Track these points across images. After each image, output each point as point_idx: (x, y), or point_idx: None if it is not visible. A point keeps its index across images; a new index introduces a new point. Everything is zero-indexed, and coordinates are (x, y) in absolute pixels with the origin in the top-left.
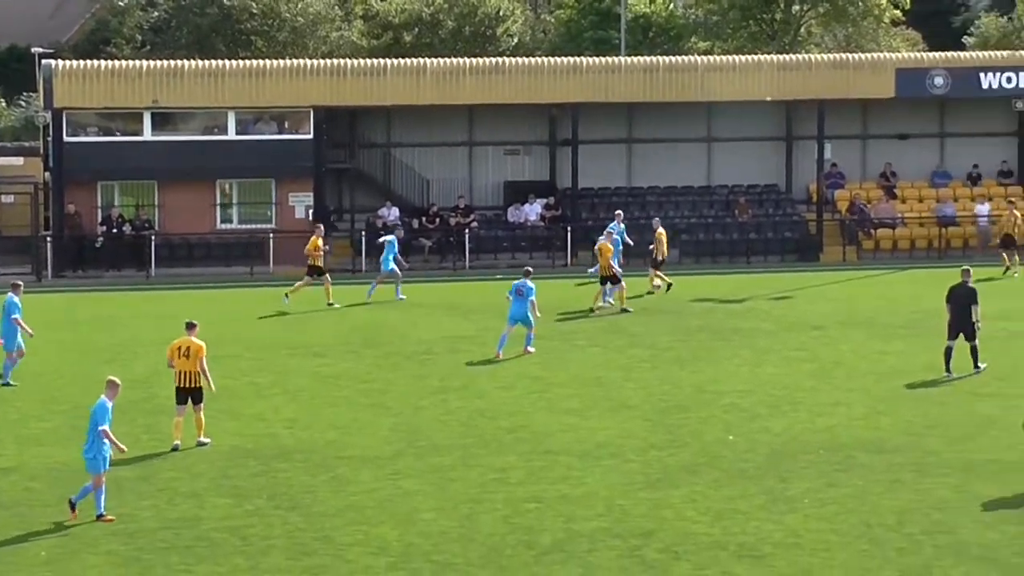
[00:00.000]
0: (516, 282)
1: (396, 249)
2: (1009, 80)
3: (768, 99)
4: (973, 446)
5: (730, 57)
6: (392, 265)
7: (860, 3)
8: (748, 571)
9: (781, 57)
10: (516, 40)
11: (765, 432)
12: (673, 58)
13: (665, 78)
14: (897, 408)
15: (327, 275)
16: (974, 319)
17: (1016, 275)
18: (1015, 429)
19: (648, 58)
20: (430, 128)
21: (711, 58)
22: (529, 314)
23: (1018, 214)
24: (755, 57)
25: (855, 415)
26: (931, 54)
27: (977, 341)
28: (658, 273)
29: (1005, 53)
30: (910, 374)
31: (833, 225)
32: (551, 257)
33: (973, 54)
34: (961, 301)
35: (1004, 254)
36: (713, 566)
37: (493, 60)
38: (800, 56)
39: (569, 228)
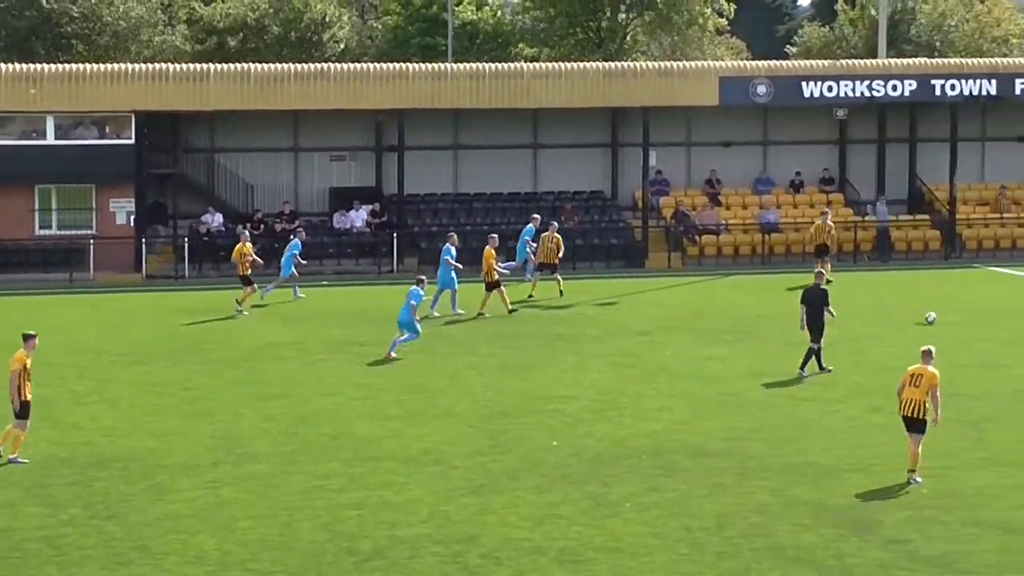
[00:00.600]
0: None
1: (300, 250)
2: (830, 89)
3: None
4: (793, 450)
5: (556, 64)
6: (292, 268)
7: (685, 12)
8: None
9: (607, 64)
10: (343, 46)
11: (589, 437)
12: (499, 65)
13: (491, 85)
14: (720, 413)
15: (252, 285)
16: (826, 320)
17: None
18: (834, 433)
19: (474, 65)
20: (255, 133)
21: (537, 65)
22: (413, 321)
23: (831, 224)
24: (581, 64)
25: (678, 420)
26: (754, 63)
27: (821, 344)
28: (558, 277)
29: (827, 62)
30: (733, 379)
31: (658, 232)
32: (377, 264)
33: (795, 63)
34: (815, 302)
35: (817, 262)
36: (534, 571)
37: (318, 65)
38: (626, 64)
39: (395, 234)
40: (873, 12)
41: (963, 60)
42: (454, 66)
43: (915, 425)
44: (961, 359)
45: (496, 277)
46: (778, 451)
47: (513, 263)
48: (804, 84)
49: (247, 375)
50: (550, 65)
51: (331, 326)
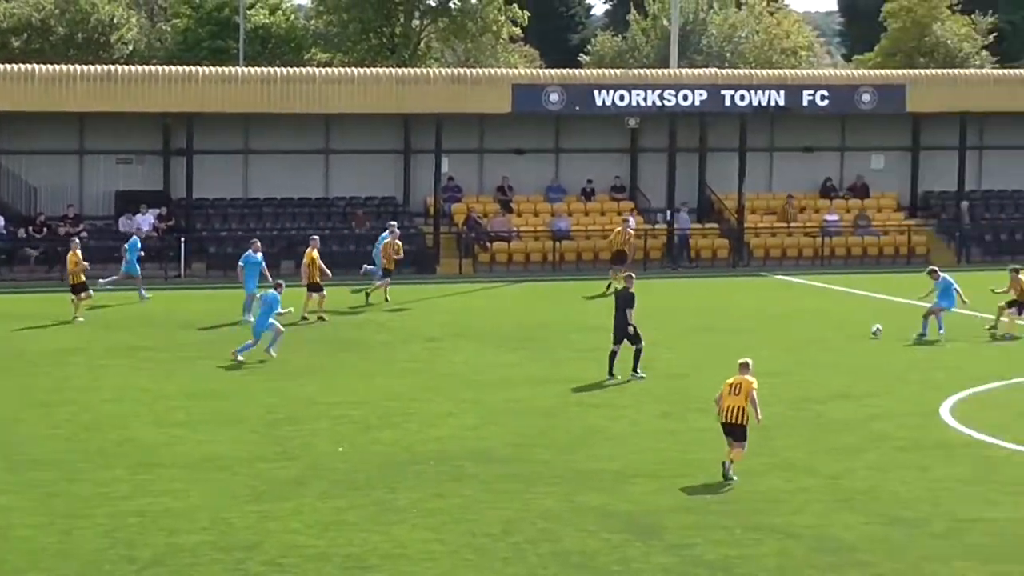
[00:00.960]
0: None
1: (139, 248)
2: (622, 98)
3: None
4: (580, 456)
5: (349, 69)
6: (136, 267)
7: (479, 19)
8: None
9: (400, 71)
10: (131, 48)
11: (376, 443)
12: (291, 69)
13: (283, 89)
14: (507, 419)
15: (88, 291)
16: (629, 322)
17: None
18: (621, 439)
19: (266, 69)
20: (39, 135)
21: (330, 70)
22: (268, 324)
23: (632, 232)
24: (374, 70)
25: (466, 426)
26: (547, 71)
27: (642, 344)
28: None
29: (619, 71)
30: (521, 385)
31: (450, 238)
32: (163, 268)
33: (588, 72)
34: (619, 305)
35: (612, 270)
36: None
37: (105, 67)
38: (419, 70)
39: (183, 239)
40: (665, 22)
41: (752, 71)
42: (245, 70)
43: (735, 431)
44: None
45: (318, 279)
46: (565, 457)
47: (373, 267)
48: (596, 92)
49: (30, 381)
50: (342, 70)
51: (117, 331)
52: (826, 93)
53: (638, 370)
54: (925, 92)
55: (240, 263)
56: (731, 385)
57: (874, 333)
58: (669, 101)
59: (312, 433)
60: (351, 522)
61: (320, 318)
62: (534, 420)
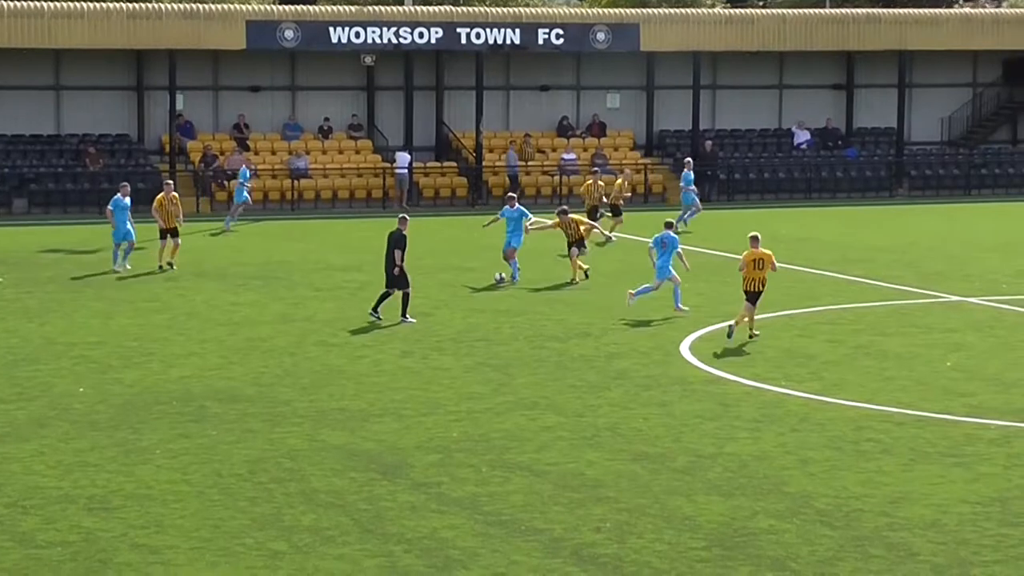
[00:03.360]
0: None
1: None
2: (358, 35)
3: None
4: (323, 395)
5: (78, 4)
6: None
7: None
8: (98, 523)
9: (131, 5)
10: None
11: (117, 384)
12: (18, 3)
13: (10, 24)
14: (249, 358)
15: None
16: (397, 263)
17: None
18: (363, 378)
19: None
20: None
21: (59, 4)
22: None
23: (602, 183)
24: (104, 4)
25: (208, 365)
26: (282, 7)
27: (410, 288)
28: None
29: (354, 8)
30: (262, 325)
31: (186, 176)
32: None
33: (323, 8)
34: (390, 246)
35: (611, 221)
36: (62, 519)
37: None
38: (151, 5)
39: None
40: None
41: (488, 9)
42: None
43: (756, 297)
44: (485, 305)
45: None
46: (308, 396)
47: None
48: (332, 29)
49: None
50: (71, 4)
51: None
52: (561, 32)
53: (407, 315)
54: (659, 31)
55: (109, 207)
56: (754, 260)
57: (497, 281)
58: (405, 39)
59: (52, 373)
60: (94, 463)
61: (169, 265)
62: (277, 359)
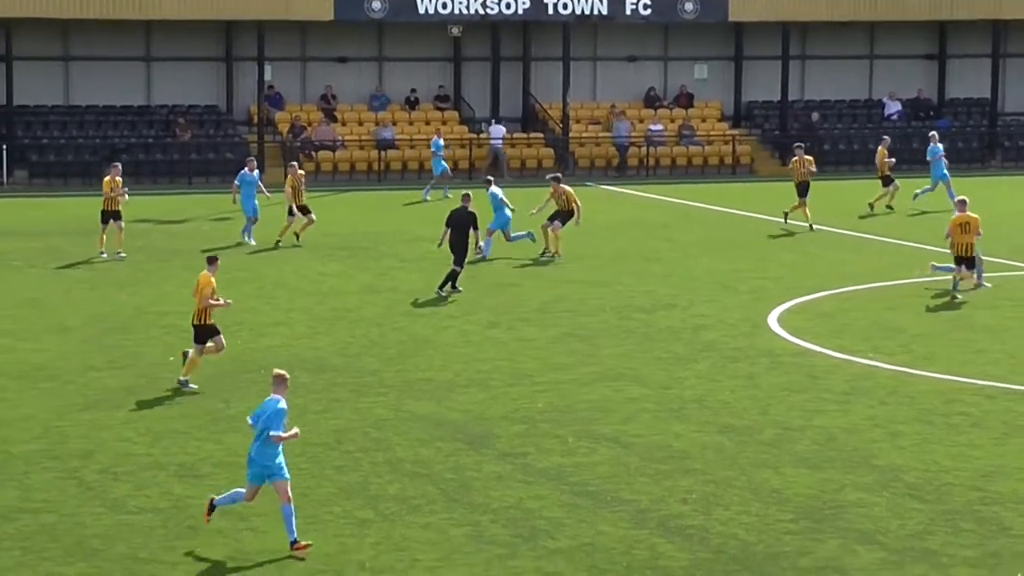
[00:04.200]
0: None
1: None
2: (444, 6)
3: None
4: (409, 365)
5: None
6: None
7: None
8: (188, 490)
9: None
10: None
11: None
12: None
13: None
14: (336, 328)
15: None
16: (477, 242)
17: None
18: (447, 348)
19: None
20: None
21: None
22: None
23: (809, 158)
24: None
25: (296, 335)
26: None
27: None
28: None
29: None
30: (349, 295)
31: (274, 147)
32: None
33: None
34: (461, 224)
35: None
36: (152, 486)
37: None
38: None
39: (4, 147)
40: None
41: None
42: None
43: (967, 261)
44: (572, 276)
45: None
46: (395, 367)
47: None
48: (419, 1)
49: None
50: None
51: None
52: (648, 2)
53: (455, 286)
54: (747, 1)
55: (236, 182)
56: (960, 224)
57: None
58: (492, 9)
59: (141, 342)
60: (184, 431)
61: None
62: (364, 329)
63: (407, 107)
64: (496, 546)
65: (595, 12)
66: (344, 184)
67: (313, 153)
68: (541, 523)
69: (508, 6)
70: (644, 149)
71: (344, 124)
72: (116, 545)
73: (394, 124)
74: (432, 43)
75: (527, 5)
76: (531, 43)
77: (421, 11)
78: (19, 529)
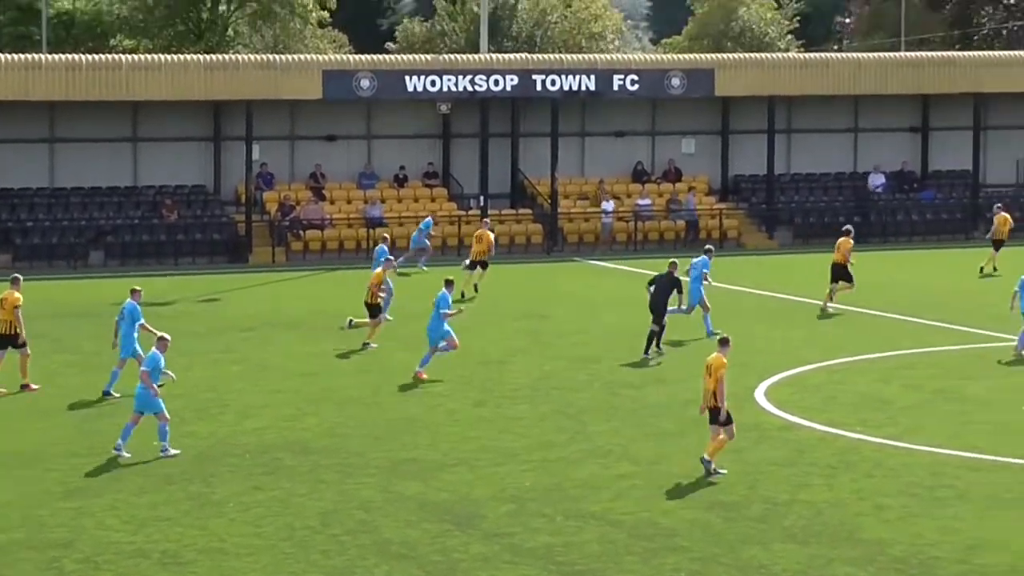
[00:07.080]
0: None
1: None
2: (433, 83)
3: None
4: (397, 445)
5: (156, 56)
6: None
7: (287, 3)
8: None
9: (208, 57)
10: None
11: (191, 436)
12: (97, 56)
13: (88, 76)
14: (323, 409)
15: None
16: (681, 306)
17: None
18: (437, 427)
19: (71, 56)
20: None
21: (136, 57)
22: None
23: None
24: (181, 56)
25: (282, 416)
26: (357, 56)
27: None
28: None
29: (429, 56)
30: (337, 375)
31: (262, 226)
32: None
33: (398, 57)
34: (663, 287)
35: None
36: (135, 575)
37: None
38: (227, 56)
39: None
40: (475, 7)
41: (563, 56)
42: (49, 57)
43: (713, 413)
44: (561, 352)
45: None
46: (382, 447)
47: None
48: (407, 78)
49: None
50: (150, 57)
51: None
52: (636, 78)
53: (648, 352)
54: (733, 76)
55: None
56: (707, 365)
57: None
58: (480, 86)
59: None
60: (167, 517)
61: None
62: (350, 410)
63: (396, 184)
64: None
65: (583, 88)
66: (333, 262)
67: (301, 232)
68: None
69: (496, 83)
70: (632, 224)
71: (333, 203)
72: None
73: (383, 201)
74: (421, 120)
75: (515, 82)
76: (519, 119)
77: (410, 89)
78: None
